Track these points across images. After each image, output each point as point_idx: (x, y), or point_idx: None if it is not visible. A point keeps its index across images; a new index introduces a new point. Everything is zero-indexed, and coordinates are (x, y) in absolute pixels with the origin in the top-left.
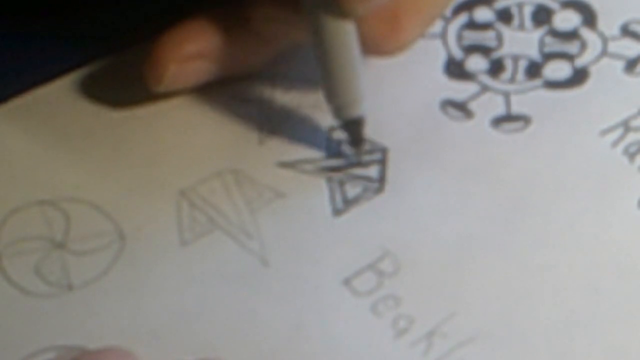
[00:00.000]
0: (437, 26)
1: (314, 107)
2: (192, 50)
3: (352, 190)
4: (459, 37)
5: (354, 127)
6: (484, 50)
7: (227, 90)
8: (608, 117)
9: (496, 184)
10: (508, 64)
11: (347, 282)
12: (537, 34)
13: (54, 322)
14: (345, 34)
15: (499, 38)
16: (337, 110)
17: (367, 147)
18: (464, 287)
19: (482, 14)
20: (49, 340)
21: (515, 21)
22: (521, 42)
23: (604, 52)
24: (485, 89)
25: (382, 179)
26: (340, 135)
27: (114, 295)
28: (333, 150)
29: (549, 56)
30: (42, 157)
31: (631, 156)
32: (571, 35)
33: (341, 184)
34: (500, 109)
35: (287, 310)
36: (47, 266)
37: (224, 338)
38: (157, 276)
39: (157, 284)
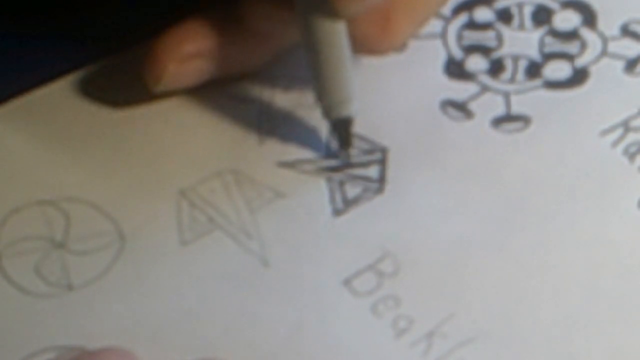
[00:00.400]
0: (437, 26)
1: (314, 107)
2: (191, 50)
3: (352, 190)
4: (459, 37)
5: (342, 127)
6: (484, 50)
7: (227, 90)
8: (608, 117)
9: (496, 184)
10: (508, 64)
11: (347, 282)
12: (537, 34)
13: (54, 322)
14: (336, 34)
15: (499, 38)
16: (326, 110)
17: (367, 147)
18: (463, 287)
19: (482, 14)
20: (49, 340)
21: (515, 21)
22: (521, 42)
23: (604, 52)
24: (485, 89)
25: (382, 179)
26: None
27: (114, 295)
28: (333, 150)
29: (549, 56)
30: (42, 157)
31: (631, 156)
32: (571, 35)
33: (341, 184)
34: (500, 109)
35: (287, 310)
36: (47, 266)
37: (224, 338)
38: (157, 276)
39: (157, 284)
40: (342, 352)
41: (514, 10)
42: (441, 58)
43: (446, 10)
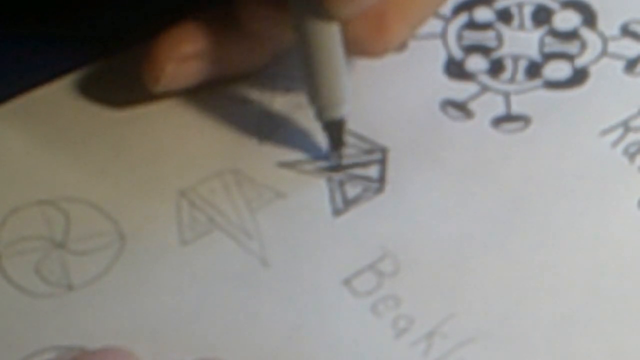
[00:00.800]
0: (437, 26)
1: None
2: (189, 51)
3: (352, 190)
4: (459, 37)
5: (335, 129)
6: (484, 50)
7: (227, 91)
8: (608, 117)
9: (496, 184)
10: (508, 64)
11: (347, 282)
12: (537, 34)
13: (54, 322)
14: (330, 36)
15: (499, 38)
16: (319, 111)
17: (367, 147)
18: (463, 287)
19: (482, 14)
20: (49, 340)
21: (515, 21)
22: (521, 42)
23: (604, 52)
24: (485, 89)
25: (382, 179)
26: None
27: (114, 295)
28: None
29: (549, 56)
30: (42, 157)
31: (631, 156)
32: (571, 35)
33: (341, 184)
34: (500, 109)
35: (287, 310)
36: (47, 266)
37: (224, 338)
38: (157, 276)
39: (157, 284)
40: (342, 352)
41: (514, 10)
42: (441, 58)
43: (446, 10)
